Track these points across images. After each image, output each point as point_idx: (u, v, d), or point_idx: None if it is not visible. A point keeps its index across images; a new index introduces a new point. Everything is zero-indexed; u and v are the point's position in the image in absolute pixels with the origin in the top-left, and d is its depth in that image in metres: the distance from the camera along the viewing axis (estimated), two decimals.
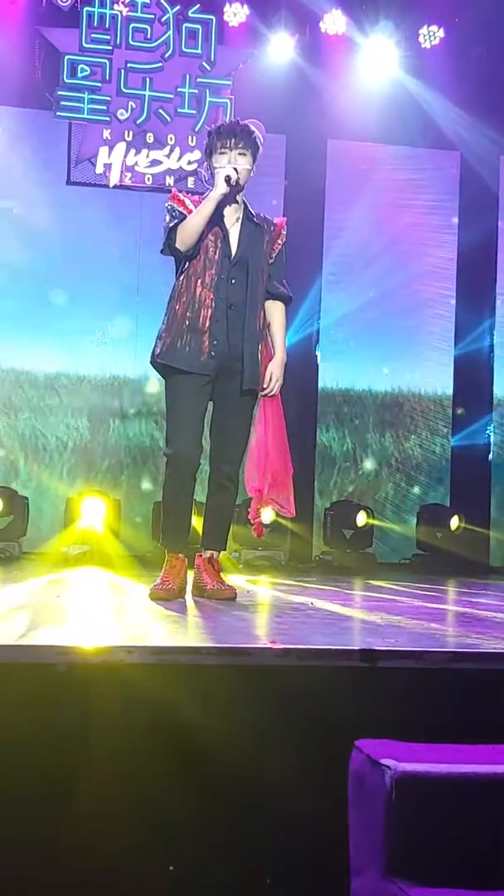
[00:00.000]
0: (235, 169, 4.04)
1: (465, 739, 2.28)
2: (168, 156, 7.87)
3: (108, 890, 2.41)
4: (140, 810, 2.42)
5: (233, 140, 4.10)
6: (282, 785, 2.42)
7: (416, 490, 8.56)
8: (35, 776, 2.39)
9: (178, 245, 4.08)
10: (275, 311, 4.27)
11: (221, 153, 4.11)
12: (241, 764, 2.43)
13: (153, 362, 4.20)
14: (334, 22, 8.02)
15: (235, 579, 5.10)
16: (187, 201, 4.12)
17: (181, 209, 4.09)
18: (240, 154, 4.10)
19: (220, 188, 4.03)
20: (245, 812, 2.44)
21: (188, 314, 4.09)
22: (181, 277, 4.15)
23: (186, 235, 4.05)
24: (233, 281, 4.11)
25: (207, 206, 4.03)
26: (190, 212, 4.08)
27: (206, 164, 4.24)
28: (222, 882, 2.44)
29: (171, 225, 4.08)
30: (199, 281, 4.09)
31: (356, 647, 2.72)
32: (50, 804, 2.39)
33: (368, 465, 8.51)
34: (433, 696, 2.60)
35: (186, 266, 4.13)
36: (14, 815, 2.39)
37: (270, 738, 2.47)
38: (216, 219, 4.09)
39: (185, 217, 4.07)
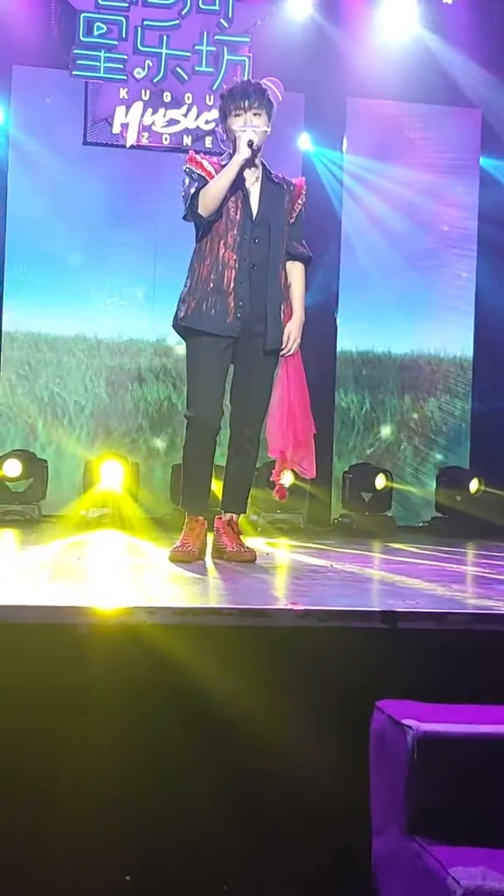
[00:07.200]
0: (255, 131, 3.99)
1: (486, 700, 2.28)
2: (185, 115, 7.78)
3: (127, 851, 2.43)
4: (160, 770, 2.44)
5: (246, 101, 4.04)
6: (303, 745, 2.43)
7: (436, 452, 8.53)
8: (54, 737, 2.41)
9: (200, 211, 4.03)
10: (294, 271, 4.23)
11: (236, 115, 4.06)
12: (262, 725, 2.44)
13: (176, 326, 4.17)
14: None
15: (254, 542, 5.10)
16: (205, 163, 4.08)
17: (199, 172, 4.05)
18: (254, 115, 4.05)
19: (244, 153, 3.97)
20: (266, 772, 2.45)
21: (212, 276, 4.05)
22: (203, 239, 4.11)
23: (209, 201, 4.01)
24: (255, 241, 4.07)
25: (230, 172, 3.98)
26: (208, 173, 4.04)
27: (221, 126, 4.20)
28: (244, 843, 2.46)
29: (192, 192, 4.03)
30: (222, 242, 4.06)
31: (377, 609, 2.72)
32: (69, 765, 2.41)
33: (387, 427, 8.48)
34: (454, 658, 2.60)
35: (208, 228, 4.09)
36: (33, 776, 2.41)
37: (291, 699, 2.48)
38: (236, 180, 4.04)
39: (204, 180, 4.03)
